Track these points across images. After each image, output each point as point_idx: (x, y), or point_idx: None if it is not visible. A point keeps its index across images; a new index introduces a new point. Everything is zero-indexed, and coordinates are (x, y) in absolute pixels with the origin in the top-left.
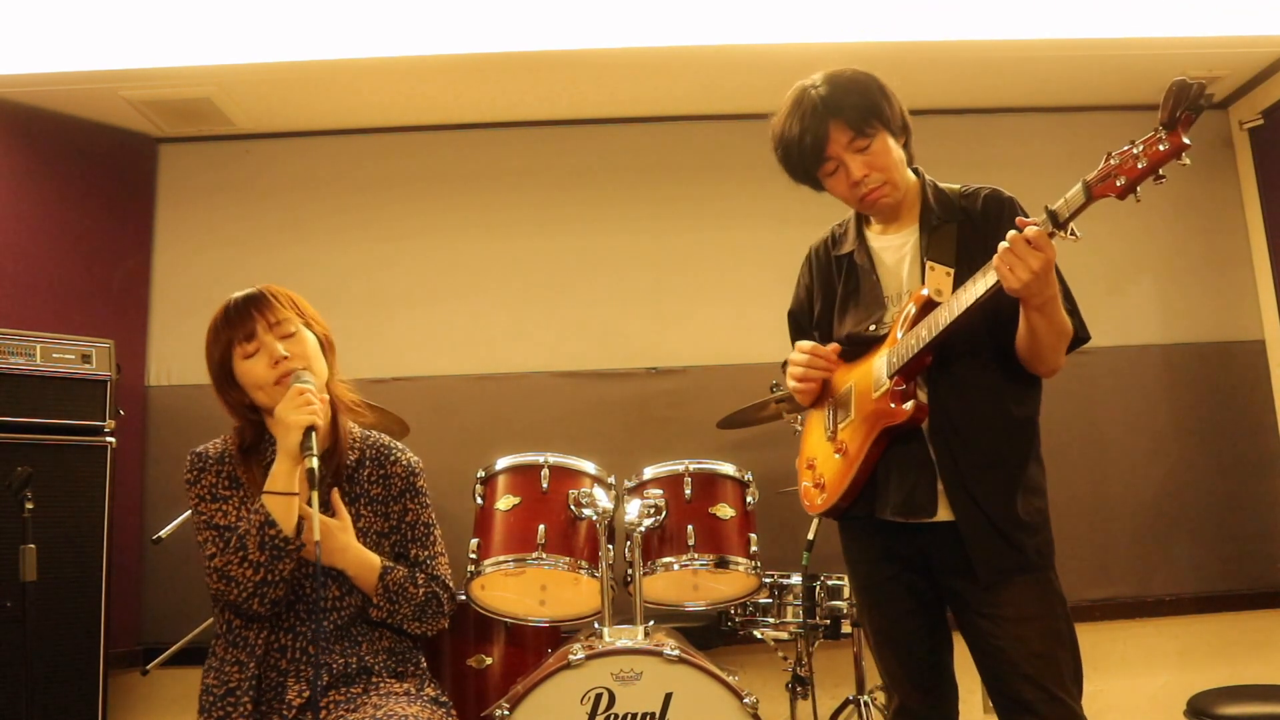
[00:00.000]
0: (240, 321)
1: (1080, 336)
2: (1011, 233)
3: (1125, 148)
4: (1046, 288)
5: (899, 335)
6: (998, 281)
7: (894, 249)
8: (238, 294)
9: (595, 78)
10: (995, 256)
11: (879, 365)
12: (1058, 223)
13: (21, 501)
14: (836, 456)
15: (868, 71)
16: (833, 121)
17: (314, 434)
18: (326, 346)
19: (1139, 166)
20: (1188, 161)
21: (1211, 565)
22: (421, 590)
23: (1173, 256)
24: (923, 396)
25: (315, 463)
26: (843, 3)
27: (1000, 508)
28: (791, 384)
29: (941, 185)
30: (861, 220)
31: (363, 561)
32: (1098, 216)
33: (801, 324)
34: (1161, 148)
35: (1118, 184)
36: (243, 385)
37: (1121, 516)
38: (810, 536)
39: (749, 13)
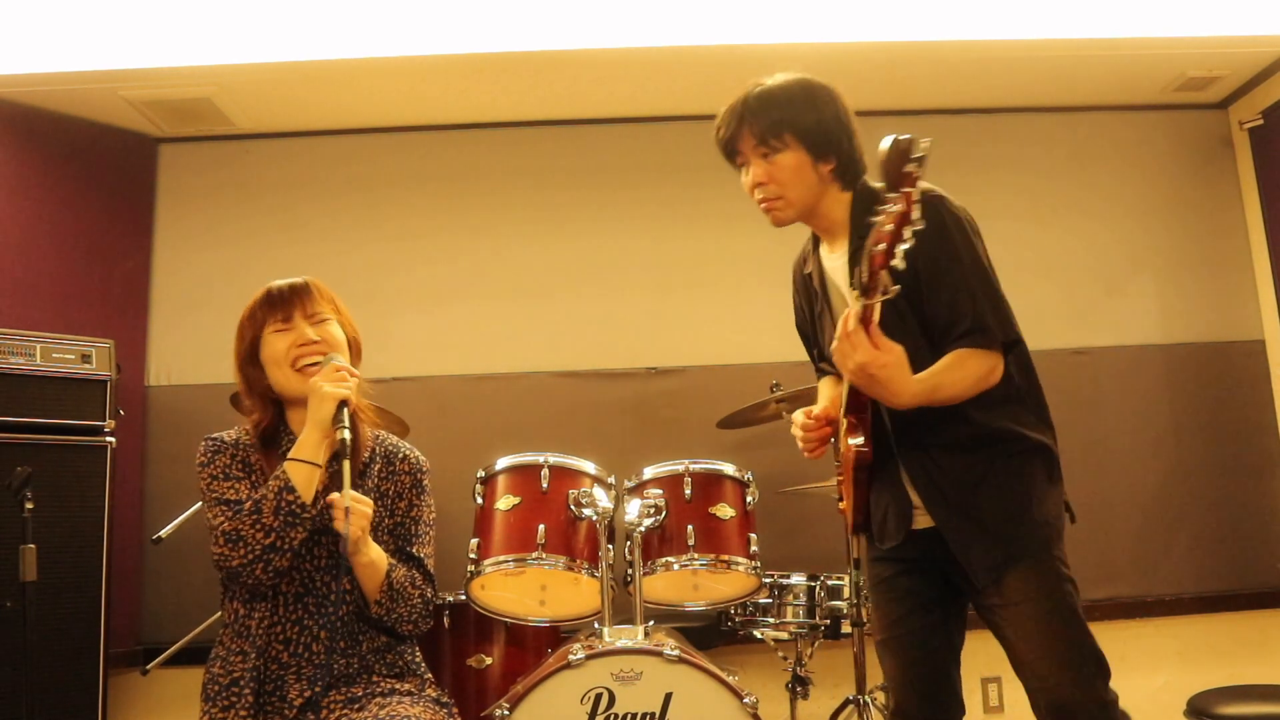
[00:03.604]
0: (280, 304)
1: (1007, 342)
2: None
3: (882, 213)
4: (890, 397)
5: None
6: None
7: (838, 269)
8: (282, 281)
9: (595, 78)
10: None
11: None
12: (863, 289)
13: (21, 501)
14: (839, 480)
15: (821, 84)
16: (743, 126)
17: (346, 408)
18: (354, 348)
19: (887, 230)
20: (920, 224)
21: (1211, 565)
22: (417, 593)
23: (1173, 256)
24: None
25: (347, 434)
26: (843, 3)
27: (981, 504)
28: (803, 454)
29: (877, 186)
30: (816, 238)
31: (375, 556)
32: (1097, 217)
33: (807, 336)
34: (896, 209)
35: (879, 249)
36: (264, 362)
37: (1121, 516)
38: (856, 555)
39: (749, 13)
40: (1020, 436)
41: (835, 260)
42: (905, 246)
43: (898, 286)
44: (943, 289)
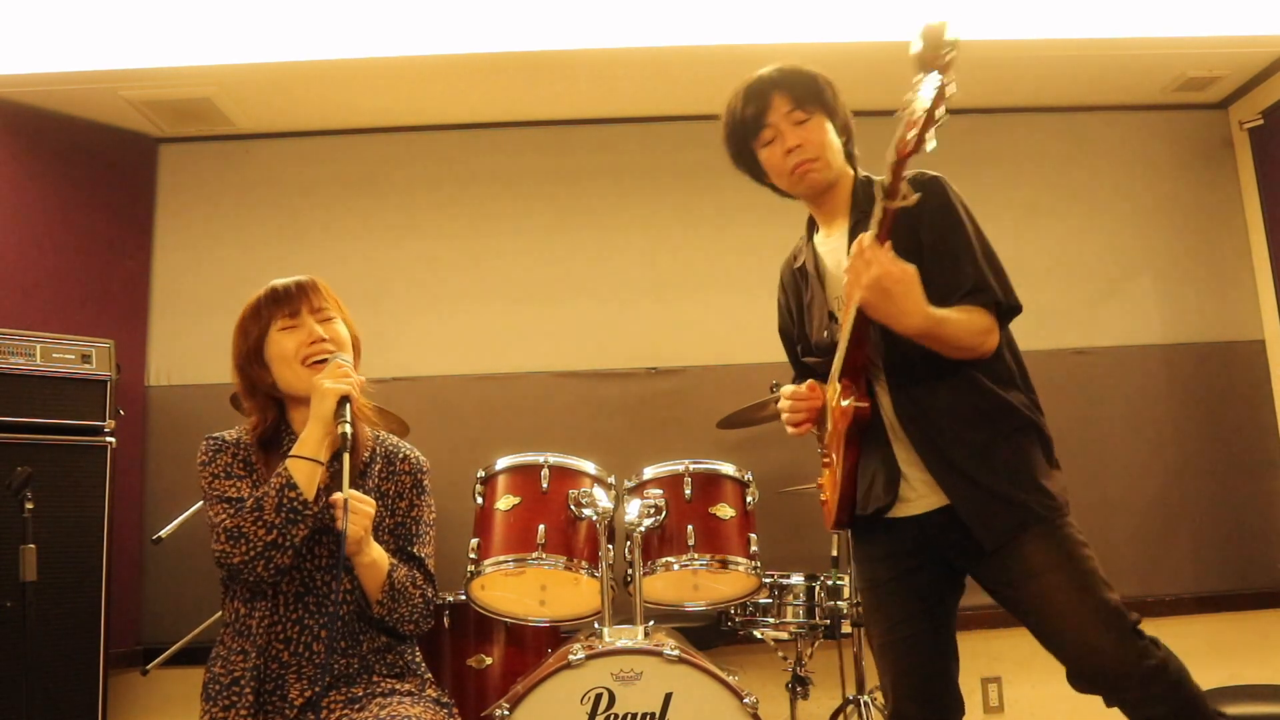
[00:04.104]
0: (287, 300)
1: (1007, 307)
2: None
3: (905, 104)
4: (901, 315)
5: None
6: None
7: (835, 251)
8: (286, 278)
9: (595, 78)
10: None
11: (835, 371)
12: (886, 192)
13: (21, 501)
14: (826, 470)
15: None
16: (776, 93)
17: (348, 404)
18: (355, 348)
19: (917, 116)
20: (953, 89)
21: (1211, 565)
22: (419, 593)
23: (1173, 256)
24: (883, 389)
25: (348, 428)
26: (843, 3)
27: (987, 470)
28: (788, 429)
29: (876, 178)
30: (811, 228)
31: (376, 555)
32: (1097, 217)
33: (790, 339)
34: (929, 88)
35: (909, 138)
36: (270, 360)
37: (1122, 516)
38: (834, 553)
39: (749, 13)
40: (1020, 413)
41: (831, 243)
42: (932, 141)
43: (918, 195)
44: (946, 254)
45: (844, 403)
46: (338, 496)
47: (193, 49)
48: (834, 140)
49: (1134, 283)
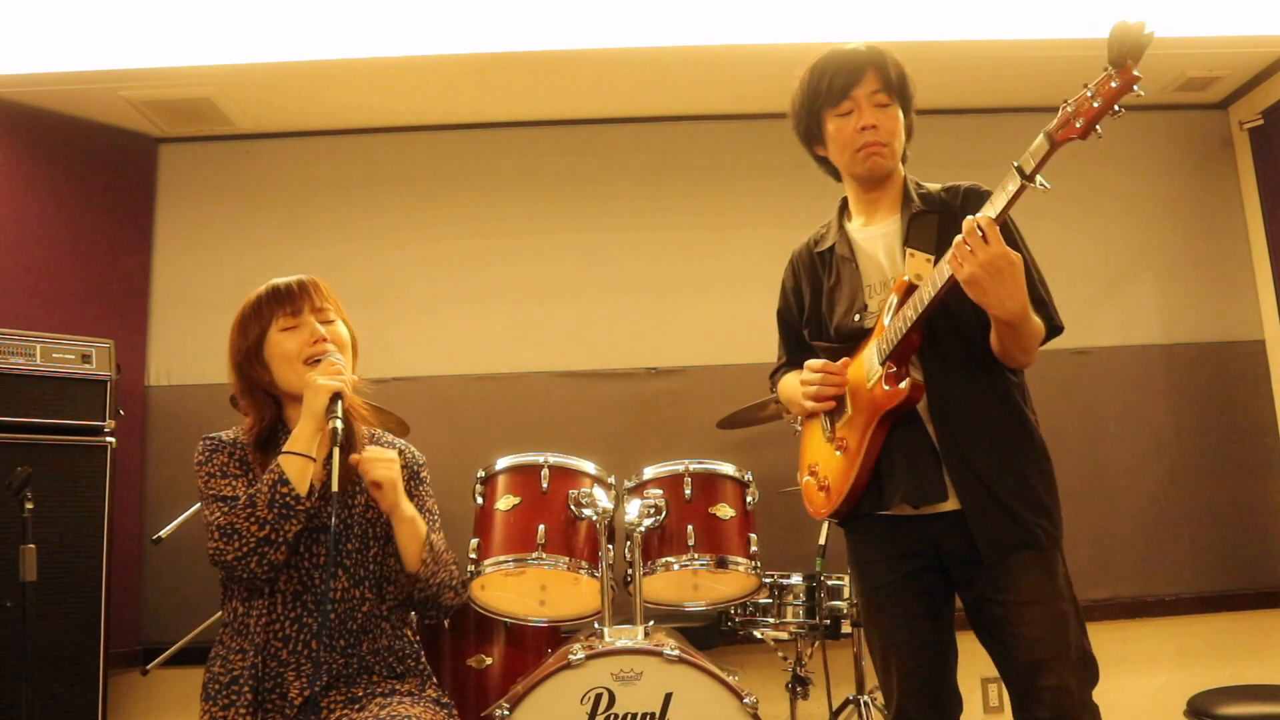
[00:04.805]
0: (289, 299)
1: (1054, 326)
2: (966, 220)
3: (1079, 94)
4: (1006, 298)
5: (886, 323)
6: None
7: (874, 239)
8: (285, 278)
9: (595, 78)
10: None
11: (869, 356)
12: (1025, 175)
13: (21, 501)
14: (838, 455)
15: None
16: (870, 70)
17: (340, 400)
18: (353, 348)
19: (1095, 106)
20: (1142, 93)
21: (1211, 565)
22: (451, 559)
23: (1173, 256)
24: (918, 377)
25: (339, 423)
26: (843, 3)
27: (1005, 484)
28: (808, 404)
29: (923, 184)
30: (842, 215)
31: (415, 512)
32: (1097, 217)
33: (790, 323)
34: (1113, 85)
35: (1077, 125)
36: (270, 360)
37: (1122, 516)
38: (821, 542)
39: (749, 13)
40: (1038, 434)
41: (872, 231)
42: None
43: (1048, 186)
44: None
45: (886, 387)
46: (356, 457)
47: (193, 49)
48: (902, 136)
49: (1133, 283)
